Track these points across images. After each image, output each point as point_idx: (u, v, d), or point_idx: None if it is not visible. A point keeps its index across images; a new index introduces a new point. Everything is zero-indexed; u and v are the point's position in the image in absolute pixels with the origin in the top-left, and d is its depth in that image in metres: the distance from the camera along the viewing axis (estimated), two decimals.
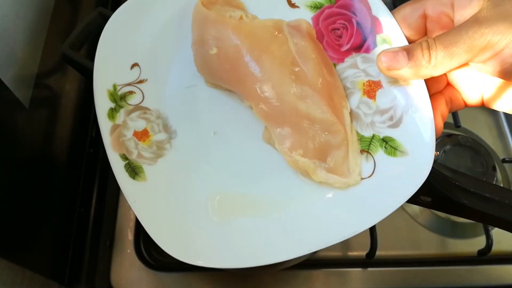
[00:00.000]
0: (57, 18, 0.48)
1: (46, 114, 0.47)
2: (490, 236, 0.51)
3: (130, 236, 0.52)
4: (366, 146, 0.35)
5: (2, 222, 0.37)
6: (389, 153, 0.34)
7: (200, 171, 0.36)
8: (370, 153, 0.35)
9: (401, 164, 0.33)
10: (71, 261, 0.49)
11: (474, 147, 0.56)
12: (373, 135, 0.35)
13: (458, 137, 0.57)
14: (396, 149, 0.33)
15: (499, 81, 0.32)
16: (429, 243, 0.54)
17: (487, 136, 0.61)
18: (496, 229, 0.52)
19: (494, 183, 0.54)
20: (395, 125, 0.34)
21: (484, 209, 0.34)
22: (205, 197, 0.35)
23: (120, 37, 0.37)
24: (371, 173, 0.34)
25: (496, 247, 0.51)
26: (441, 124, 0.33)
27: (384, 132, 0.34)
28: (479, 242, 0.53)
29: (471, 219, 0.37)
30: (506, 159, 0.58)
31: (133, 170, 0.35)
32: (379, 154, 0.34)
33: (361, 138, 0.35)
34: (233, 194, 0.36)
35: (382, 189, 0.33)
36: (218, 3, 0.38)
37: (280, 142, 0.35)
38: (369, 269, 0.52)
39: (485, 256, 0.52)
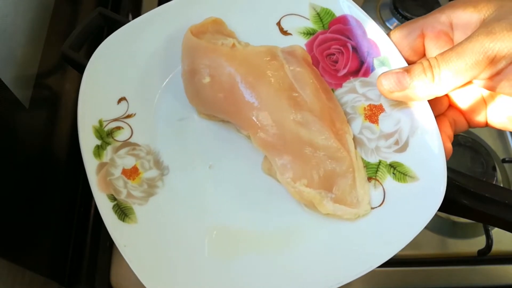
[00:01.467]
0: (57, 18, 0.48)
1: (46, 114, 0.46)
2: (490, 236, 0.51)
3: None
4: (373, 173, 0.33)
5: (2, 222, 0.37)
6: (399, 179, 0.32)
7: (196, 209, 0.34)
8: (378, 180, 0.33)
9: (412, 190, 0.31)
10: (71, 261, 0.49)
11: (474, 147, 0.56)
12: (380, 161, 0.33)
13: (458, 137, 0.57)
14: (406, 175, 0.32)
15: (504, 99, 0.32)
16: (429, 243, 0.53)
17: (487, 136, 0.61)
18: (496, 229, 0.52)
19: (494, 183, 0.54)
20: (402, 149, 0.33)
21: (484, 209, 0.34)
22: (201, 237, 0.33)
23: (105, 71, 0.36)
24: (381, 201, 0.32)
25: (496, 247, 0.51)
26: (449, 146, 0.32)
27: (390, 157, 0.33)
28: (479, 242, 0.53)
29: (471, 219, 0.36)
30: (506, 159, 0.58)
31: (123, 212, 0.32)
32: (388, 180, 0.33)
33: (367, 165, 0.34)
34: (232, 231, 0.33)
35: (395, 218, 0.31)
36: (209, 32, 0.37)
37: (281, 172, 0.33)
38: None
39: (485, 256, 0.52)
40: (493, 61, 0.27)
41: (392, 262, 0.52)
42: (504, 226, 0.35)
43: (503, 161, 0.58)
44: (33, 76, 0.43)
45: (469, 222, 0.53)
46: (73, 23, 0.53)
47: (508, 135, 0.62)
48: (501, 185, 0.56)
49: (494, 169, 0.55)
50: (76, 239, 0.50)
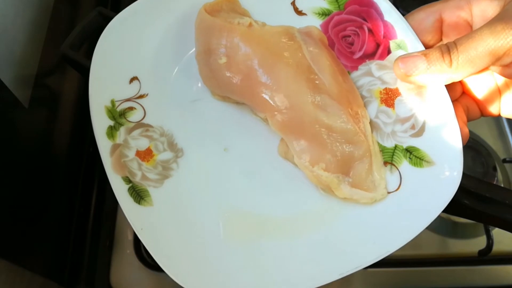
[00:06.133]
0: (57, 18, 0.48)
1: (46, 114, 0.46)
2: (490, 236, 0.51)
3: (129, 236, 0.52)
4: (389, 157, 0.33)
5: (2, 222, 0.37)
6: (415, 164, 0.32)
7: (211, 192, 0.34)
8: (394, 165, 0.33)
9: (428, 175, 0.31)
10: (71, 261, 0.49)
11: (475, 147, 0.56)
12: (396, 146, 0.33)
13: None
14: (422, 159, 0.32)
15: None
16: (429, 243, 0.53)
17: (488, 136, 0.61)
18: (496, 229, 0.52)
19: (494, 183, 0.53)
20: (418, 133, 0.32)
21: (484, 209, 0.33)
22: (216, 220, 0.33)
23: (116, 49, 0.35)
24: (397, 186, 0.32)
25: (497, 247, 0.51)
26: (466, 130, 0.31)
27: (407, 141, 0.33)
28: (480, 242, 0.53)
29: (471, 219, 0.36)
30: (507, 159, 0.58)
31: (138, 194, 0.32)
32: (404, 165, 0.32)
33: (383, 149, 0.34)
34: (248, 214, 0.33)
35: (411, 202, 0.31)
36: (223, 11, 0.36)
37: (299, 156, 0.33)
38: (369, 269, 0.51)
39: (486, 257, 0.51)
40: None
41: (392, 262, 0.52)
42: (504, 226, 0.34)
43: (504, 161, 0.58)
44: (33, 76, 0.43)
45: (470, 222, 0.53)
46: (73, 23, 0.53)
47: (509, 135, 0.62)
48: (502, 185, 0.56)
49: (494, 169, 0.54)
50: (76, 239, 0.50)
